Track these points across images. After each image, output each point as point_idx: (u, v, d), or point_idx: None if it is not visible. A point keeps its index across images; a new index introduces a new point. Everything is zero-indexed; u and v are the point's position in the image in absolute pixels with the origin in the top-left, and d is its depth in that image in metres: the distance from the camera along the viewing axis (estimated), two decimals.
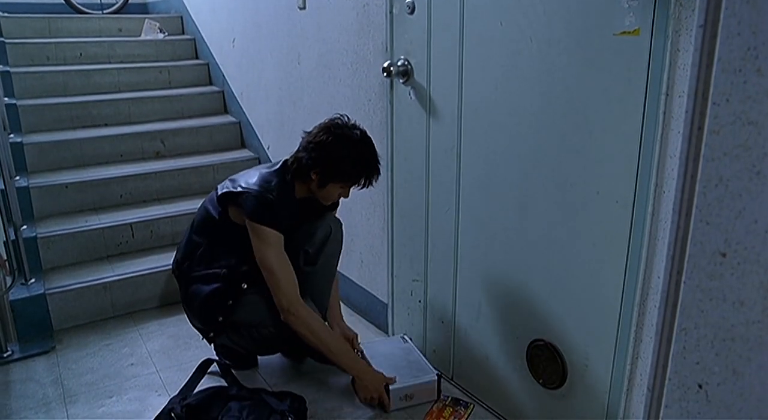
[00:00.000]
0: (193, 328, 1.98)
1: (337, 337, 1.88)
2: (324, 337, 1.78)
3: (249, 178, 1.79)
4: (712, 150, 1.03)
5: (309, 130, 1.80)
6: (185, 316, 1.97)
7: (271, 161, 3.03)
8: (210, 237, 1.87)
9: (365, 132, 1.79)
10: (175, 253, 1.99)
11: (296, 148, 1.81)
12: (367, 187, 1.81)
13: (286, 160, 1.84)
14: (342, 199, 1.88)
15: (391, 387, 1.77)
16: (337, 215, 1.98)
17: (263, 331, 1.86)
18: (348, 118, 1.80)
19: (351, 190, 1.83)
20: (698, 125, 1.06)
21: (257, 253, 1.75)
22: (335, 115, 1.80)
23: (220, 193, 1.82)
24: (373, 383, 1.80)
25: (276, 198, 1.74)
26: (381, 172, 1.80)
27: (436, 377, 1.83)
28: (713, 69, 1.01)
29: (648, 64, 1.17)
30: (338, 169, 1.75)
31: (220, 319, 1.84)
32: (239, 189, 1.76)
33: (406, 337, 2.07)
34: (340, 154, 1.73)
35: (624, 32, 1.20)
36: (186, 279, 1.91)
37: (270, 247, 1.74)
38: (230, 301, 1.82)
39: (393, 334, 2.21)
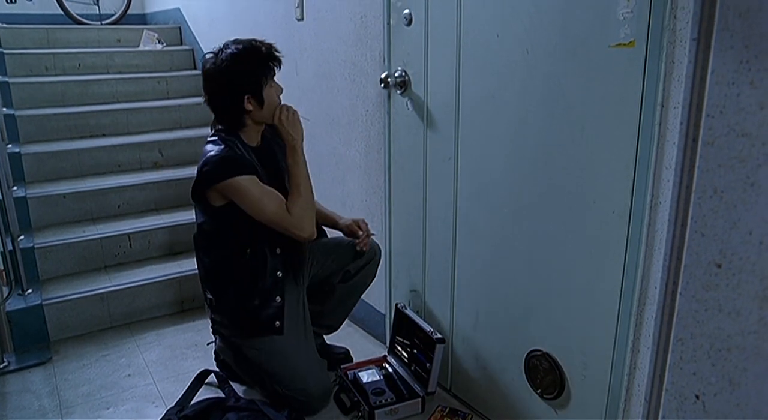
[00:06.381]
0: (213, 333, 1.93)
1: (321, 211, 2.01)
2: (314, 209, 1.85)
3: (200, 160, 1.74)
4: (706, 161, 1.04)
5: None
6: (183, 326, 1.95)
7: None
8: (216, 243, 1.79)
9: (234, 41, 1.75)
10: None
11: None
12: (278, 66, 1.76)
13: (215, 126, 1.80)
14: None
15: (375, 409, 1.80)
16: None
17: (278, 388, 1.81)
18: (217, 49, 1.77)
19: (276, 81, 1.78)
20: (693, 137, 1.07)
21: (249, 210, 1.69)
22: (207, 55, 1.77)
23: (191, 193, 1.76)
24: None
25: (231, 152, 1.70)
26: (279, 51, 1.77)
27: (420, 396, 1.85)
28: (707, 81, 1.03)
29: (643, 76, 1.18)
30: (248, 76, 1.70)
31: (278, 298, 1.78)
32: (197, 174, 1.71)
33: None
34: (241, 65, 1.69)
35: (619, 44, 1.22)
36: (222, 307, 1.83)
37: (256, 199, 1.69)
38: (279, 273, 1.77)
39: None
